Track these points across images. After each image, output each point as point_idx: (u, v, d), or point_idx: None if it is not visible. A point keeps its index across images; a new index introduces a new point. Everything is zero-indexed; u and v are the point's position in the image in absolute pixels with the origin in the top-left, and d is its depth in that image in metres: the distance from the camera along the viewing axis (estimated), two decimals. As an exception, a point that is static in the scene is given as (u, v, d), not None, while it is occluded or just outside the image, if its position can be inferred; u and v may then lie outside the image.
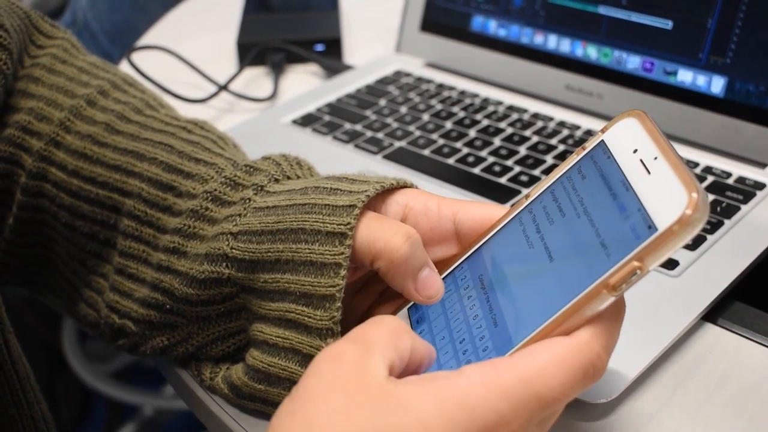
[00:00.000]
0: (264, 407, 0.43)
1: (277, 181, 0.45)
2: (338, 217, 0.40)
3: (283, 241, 0.41)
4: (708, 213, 0.32)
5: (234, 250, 0.42)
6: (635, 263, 0.32)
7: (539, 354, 0.33)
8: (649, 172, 0.34)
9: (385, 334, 0.34)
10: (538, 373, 0.33)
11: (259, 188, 0.45)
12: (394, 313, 0.43)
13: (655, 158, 0.34)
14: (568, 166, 0.39)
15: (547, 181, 0.40)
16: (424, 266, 0.40)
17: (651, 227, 0.32)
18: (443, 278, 0.42)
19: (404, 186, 0.44)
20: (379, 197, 0.43)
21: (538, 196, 0.40)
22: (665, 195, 0.33)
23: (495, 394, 0.32)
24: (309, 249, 0.40)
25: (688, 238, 0.32)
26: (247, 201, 0.44)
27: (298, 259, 0.40)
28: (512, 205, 0.42)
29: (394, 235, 0.39)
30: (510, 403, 0.32)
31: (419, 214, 0.43)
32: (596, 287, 0.33)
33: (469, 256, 0.42)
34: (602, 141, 0.38)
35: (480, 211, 0.42)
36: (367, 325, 0.35)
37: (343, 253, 0.39)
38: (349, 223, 0.40)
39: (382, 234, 0.40)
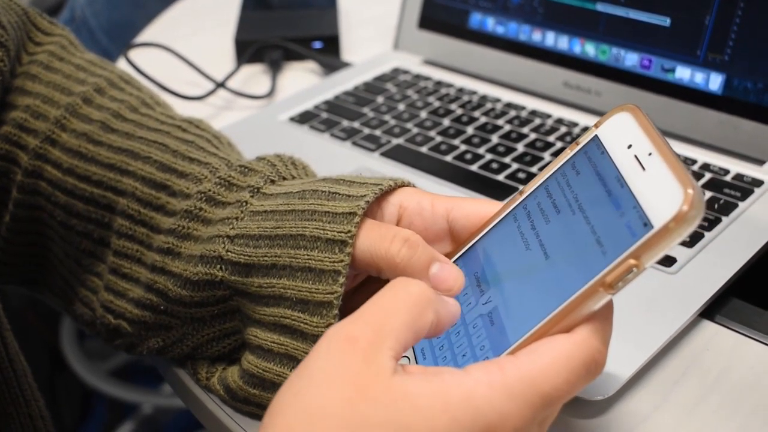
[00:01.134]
0: (259, 411, 0.43)
1: (272, 182, 0.45)
2: (338, 225, 0.40)
3: (282, 247, 0.41)
4: (704, 209, 0.32)
5: (230, 253, 0.42)
6: (631, 261, 0.32)
7: (542, 353, 0.33)
8: (643, 168, 0.34)
9: (404, 317, 0.33)
10: (542, 372, 0.33)
11: (256, 190, 0.44)
12: None
13: (650, 154, 0.34)
14: (562, 162, 0.39)
15: (540, 177, 0.40)
16: (433, 262, 0.39)
17: (647, 224, 0.32)
18: None
19: (401, 185, 0.44)
20: (376, 199, 0.43)
21: (532, 192, 0.40)
22: (660, 191, 0.32)
23: (500, 395, 0.32)
24: (308, 255, 0.40)
25: (684, 235, 0.32)
26: (244, 204, 0.44)
27: (296, 264, 0.40)
28: (507, 201, 0.41)
29: (391, 242, 0.39)
30: (515, 403, 0.32)
31: (413, 214, 0.43)
32: (593, 286, 0.33)
33: (463, 254, 0.42)
34: (596, 136, 0.38)
35: (473, 208, 0.42)
36: (387, 299, 0.34)
37: (342, 261, 0.39)
38: (349, 231, 0.40)
39: (380, 244, 0.40)
